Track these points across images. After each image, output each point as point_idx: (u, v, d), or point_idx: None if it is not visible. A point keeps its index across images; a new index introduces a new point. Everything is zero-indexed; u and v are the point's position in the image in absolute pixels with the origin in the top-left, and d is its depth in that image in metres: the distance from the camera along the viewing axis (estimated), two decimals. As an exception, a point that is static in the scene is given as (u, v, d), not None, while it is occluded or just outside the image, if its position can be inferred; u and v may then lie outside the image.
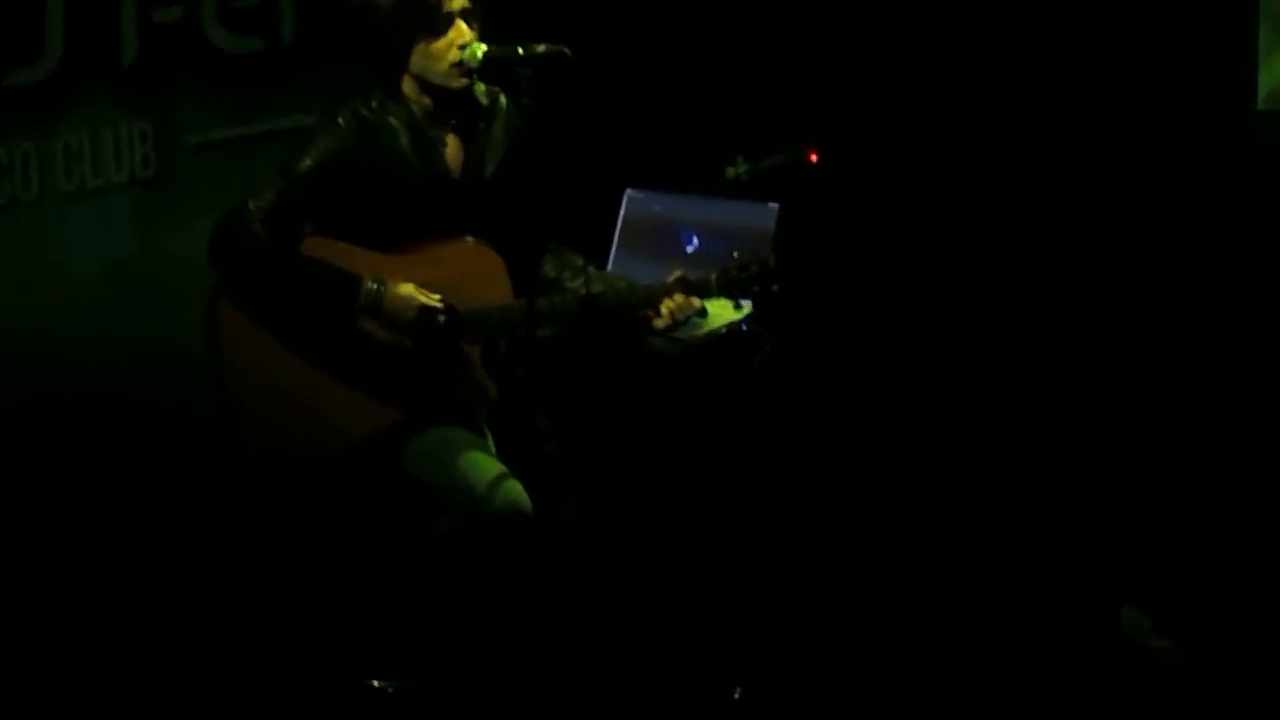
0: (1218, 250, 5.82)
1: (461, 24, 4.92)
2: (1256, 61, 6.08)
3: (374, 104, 4.94)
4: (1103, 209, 5.89)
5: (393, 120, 4.94)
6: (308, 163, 4.89)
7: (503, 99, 5.06)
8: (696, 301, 4.92)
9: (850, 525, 5.75)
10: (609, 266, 5.57)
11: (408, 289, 4.85)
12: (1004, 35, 6.08)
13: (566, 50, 4.84)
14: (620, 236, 5.68)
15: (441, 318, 4.85)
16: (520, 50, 4.85)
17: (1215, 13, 6.06)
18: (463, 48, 4.91)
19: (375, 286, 4.84)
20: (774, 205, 5.48)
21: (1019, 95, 6.02)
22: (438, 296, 4.86)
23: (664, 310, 4.92)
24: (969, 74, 6.07)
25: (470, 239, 4.98)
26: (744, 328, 5.33)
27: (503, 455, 5.01)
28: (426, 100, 4.97)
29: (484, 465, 4.93)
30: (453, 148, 5.03)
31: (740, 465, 5.57)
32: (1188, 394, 5.82)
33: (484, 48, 4.91)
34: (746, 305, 5.16)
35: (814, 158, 5.48)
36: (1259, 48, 6.08)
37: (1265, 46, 6.09)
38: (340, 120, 4.93)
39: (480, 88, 5.02)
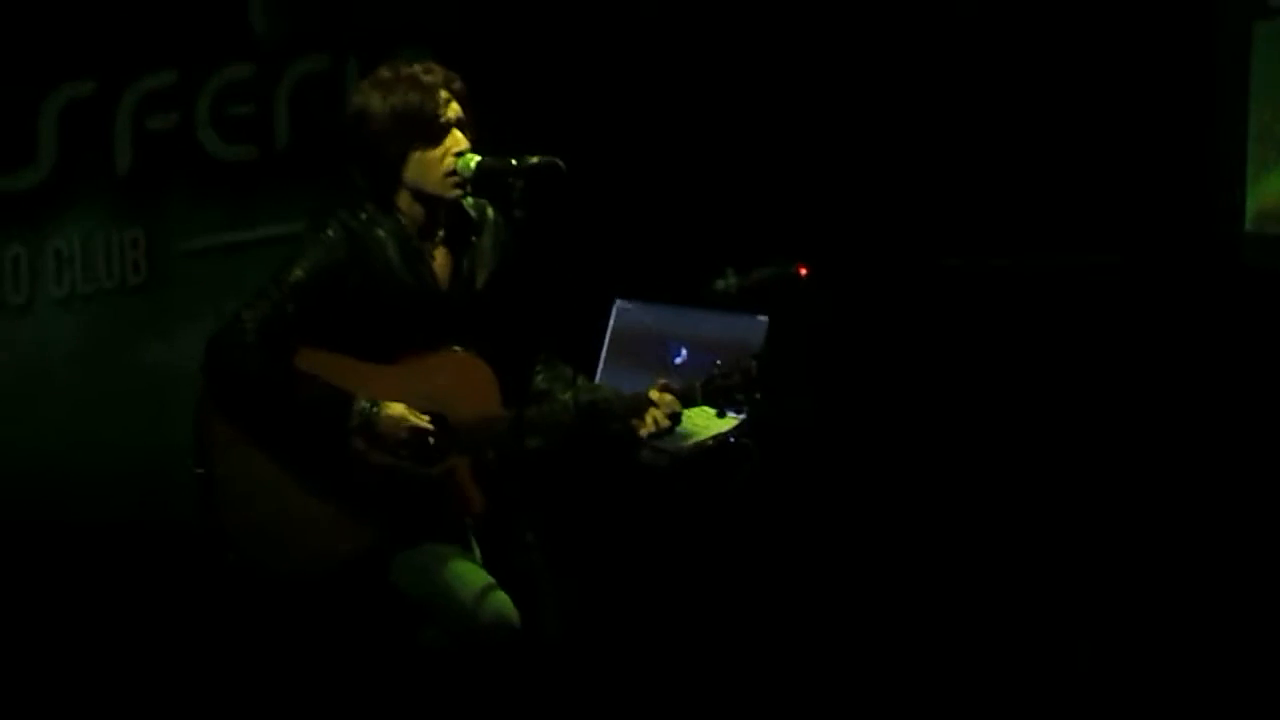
0: (1208, 373, 5.82)
1: (456, 133, 4.93)
2: (1245, 183, 6.11)
3: (363, 215, 4.94)
4: (1092, 331, 5.90)
5: (381, 232, 4.94)
6: (299, 274, 4.89)
7: (490, 211, 5.07)
8: (677, 404, 4.93)
9: (835, 636, 5.73)
10: (598, 377, 5.57)
11: (399, 410, 4.84)
12: (995, 155, 6.11)
13: (559, 162, 4.85)
14: (609, 347, 5.68)
15: (432, 439, 4.84)
16: (514, 161, 4.86)
17: (1204, 134, 6.10)
18: (458, 156, 4.92)
19: (368, 406, 4.84)
20: (763, 319, 5.49)
21: (1008, 216, 6.05)
22: (426, 418, 4.86)
23: (648, 418, 4.92)
24: (959, 193, 6.10)
25: (459, 350, 4.98)
26: (731, 440, 5.33)
27: (489, 566, 4.99)
28: (418, 210, 4.97)
29: (471, 577, 4.92)
30: (441, 260, 5.03)
31: (727, 576, 5.56)
32: (1175, 513, 5.82)
33: (478, 158, 4.92)
34: (733, 418, 5.16)
35: (803, 272, 5.49)
36: (1248, 169, 6.11)
37: (1254, 168, 6.13)
38: (330, 232, 4.92)
39: (469, 201, 5.03)
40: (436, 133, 4.91)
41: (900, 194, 6.13)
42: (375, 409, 4.83)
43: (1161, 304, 5.88)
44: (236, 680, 5.45)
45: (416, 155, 4.92)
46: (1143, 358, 5.87)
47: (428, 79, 4.92)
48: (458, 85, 4.96)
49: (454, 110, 4.93)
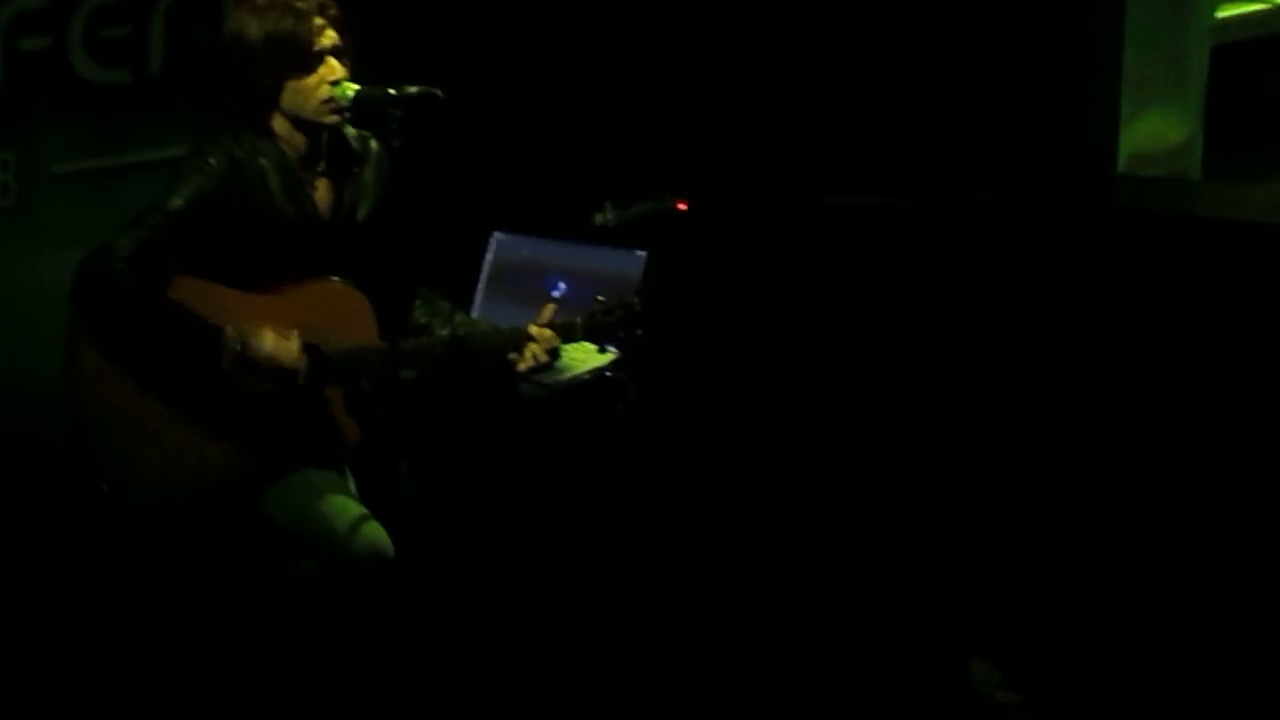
0: (1079, 313, 5.88)
1: (332, 61, 4.90)
2: (1118, 125, 6.17)
3: (245, 143, 4.90)
4: (969, 269, 5.94)
5: (264, 161, 4.91)
6: (177, 202, 4.84)
7: (373, 144, 5.04)
8: (556, 339, 4.93)
9: (710, 574, 5.76)
10: (475, 310, 5.56)
11: (269, 345, 4.80)
12: (875, 93, 6.13)
13: (438, 92, 4.83)
14: (487, 280, 5.67)
15: (301, 377, 4.82)
16: (392, 91, 4.83)
17: (1078, 77, 6.14)
18: (334, 84, 4.89)
19: (237, 341, 4.80)
20: (641, 253, 5.50)
21: (887, 155, 6.07)
22: (297, 350, 4.82)
23: (527, 353, 4.92)
24: (840, 131, 6.11)
25: (337, 280, 4.96)
26: (608, 374, 5.34)
27: (363, 497, 4.98)
28: (298, 138, 4.94)
29: (345, 507, 4.91)
30: (323, 190, 5.00)
31: (601, 513, 5.57)
32: (1044, 457, 5.88)
33: (355, 87, 4.90)
34: (611, 352, 5.17)
35: (683, 206, 5.50)
36: (1121, 112, 6.17)
37: (1128, 111, 6.18)
38: (211, 160, 4.88)
39: (351, 132, 5.00)
40: (311, 60, 4.87)
41: (780, 130, 6.14)
42: (244, 343, 4.79)
43: (1037, 243, 5.93)
44: (107, 608, 5.41)
45: (292, 83, 4.89)
46: (1019, 296, 5.92)
47: (301, 4, 4.88)
48: (333, 11, 4.92)
49: (329, 37, 4.90)
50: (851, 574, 5.79)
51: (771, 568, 5.79)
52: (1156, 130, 6.26)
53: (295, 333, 4.83)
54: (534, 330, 4.93)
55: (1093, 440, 5.82)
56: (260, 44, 4.85)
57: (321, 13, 4.89)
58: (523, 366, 4.94)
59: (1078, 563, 5.75)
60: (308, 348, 4.86)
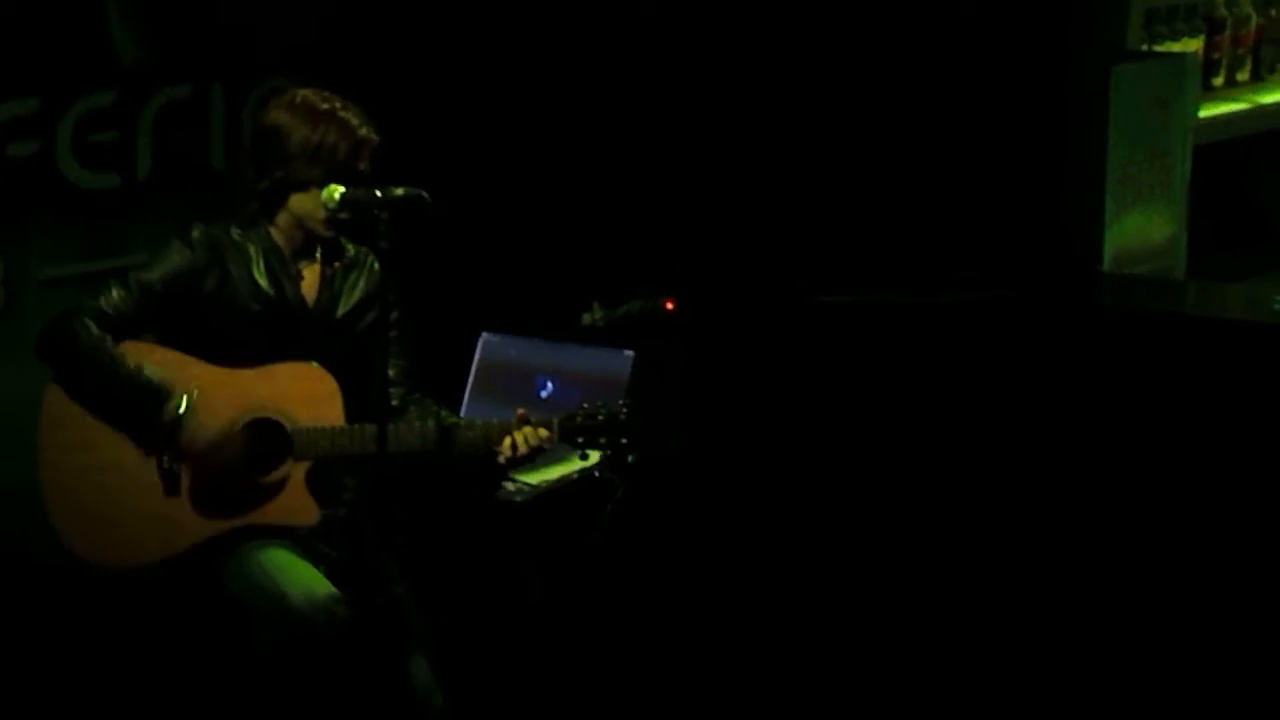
0: (1064, 410, 5.89)
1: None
2: (1104, 223, 6.19)
3: (235, 231, 4.95)
4: (957, 366, 5.95)
5: (251, 246, 4.96)
6: (152, 276, 4.95)
7: (372, 260, 5.06)
8: (544, 432, 4.92)
9: (706, 671, 5.75)
10: (463, 410, 5.56)
11: (207, 435, 4.81)
12: (862, 194, 6.15)
13: (424, 194, 4.85)
14: (474, 380, 5.67)
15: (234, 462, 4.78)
16: (379, 193, 4.86)
17: (1064, 174, 6.17)
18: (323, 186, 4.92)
19: (178, 409, 4.83)
20: (629, 353, 5.50)
21: (875, 254, 6.09)
22: (223, 434, 4.81)
23: (506, 446, 4.92)
24: (827, 230, 6.14)
25: (314, 364, 4.97)
26: (596, 474, 5.33)
27: (354, 598, 4.97)
28: (296, 234, 5.00)
29: (306, 578, 4.90)
30: (309, 280, 5.05)
31: (590, 613, 5.55)
32: (1031, 553, 5.88)
33: (341, 189, 4.92)
34: (592, 455, 5.16)
35: (670, 306, 5.51)
36: (1106, 209, 6.19)
37: (1112, 208, 6.21)
38: (194, 234, 4.98)
39: (350, 247, 5.03)
40: (348, 181, 4.91)
41: (768, 229, 6.16)
42: (187, 417, 4.80)
43: (1025, 341, 5.94)
44: (78, 679, 5.40)
45: (315, 190, 4.92)
46: (1006, 393, 5.92)
47: (361, 132, 4.94)
48: (377, 143, 4.97)
49: (365, 167, 4.94)
50: (843, 670, 5.78)
51: (763, 664, 5.78)
52: (1141, 228, 6.28)
53: (236, 423, 4.81)
54: (516, 424, 4.94)
55: (1081, 537, 5.81)
56: (309, 148, 4.92)
57: (368, 144, 4.93)
58: (502, 460, 4.95)
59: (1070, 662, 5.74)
60: (268, 423, 4.84)
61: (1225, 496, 5.70)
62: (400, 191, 4.85)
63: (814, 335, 5.97)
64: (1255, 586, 5.64)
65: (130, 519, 4.89)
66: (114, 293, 4.93)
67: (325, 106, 4.96)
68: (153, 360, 4.91)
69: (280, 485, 4.92)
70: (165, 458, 4.89)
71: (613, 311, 5.46)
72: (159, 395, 4.85)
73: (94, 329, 4.88)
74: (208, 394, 4.88)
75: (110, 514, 4.90)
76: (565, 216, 6.19)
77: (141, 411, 4.86)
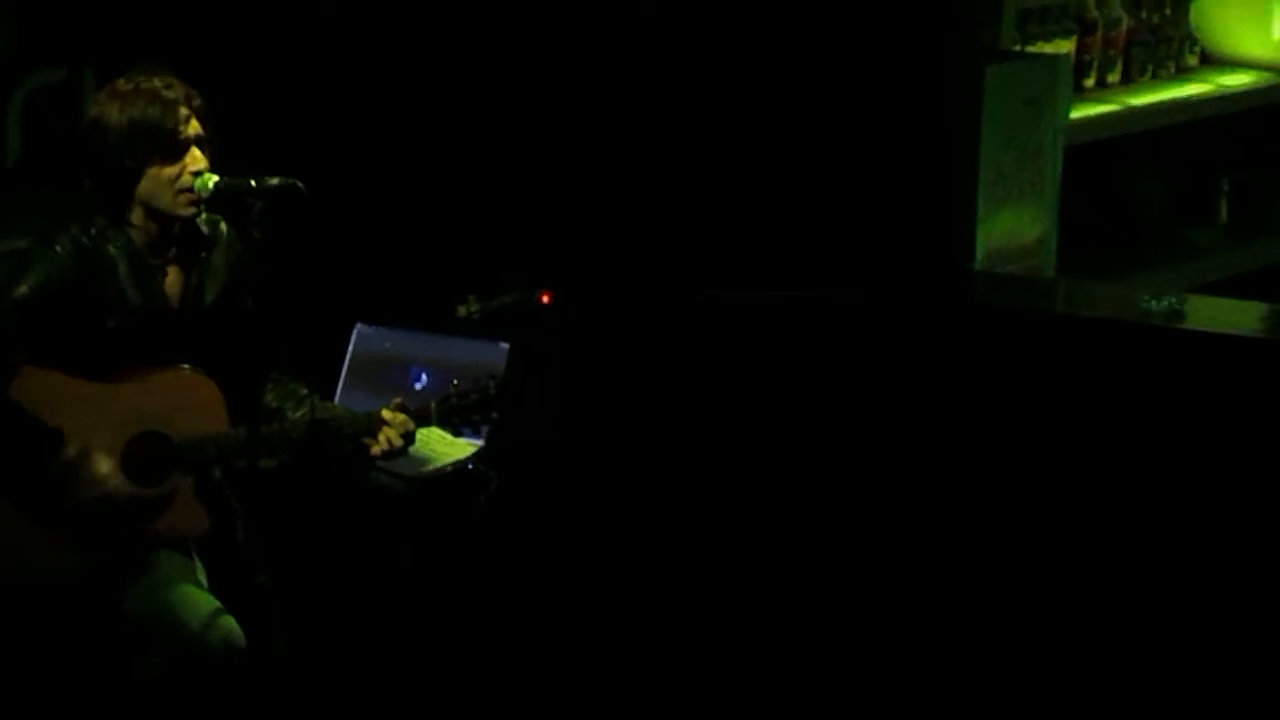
0: (935, 409, 5.93)
1: (195, 150, 4.88)
2: (975, 221, 6.24)
3: (93, 231, 4.87)
4: (833, 365, 5.98)
5: (112, 249, 4.88)
6: (23, 291, 4.82)
7: (223, 226, 5.02)
8: (410, 423, 4.92)
9: (577, 666, 5.75)
10: (336, 400, 5.53)
11: (101, 470, 4.75)
12: (741, 190, 6.17)
13: (299, 183, 4.83)
14: (348, 371, 5.65)
15: (121, 504, 4.75)
16: (253, 182, 4.83)
17: (937, 173, 6.21)
18: (195, 175, 4.87)
19: (66, 463, 4.74)
20: (505, 345, 5.50)
21: (749, 251, 6.11)
22: (120, 487, 4.76)
23: (381, 437, 4.91)
24: (707, 224, 6.15)
25: (186, 367, 4.93)
26: (470, 466, 5.33)
27: (214, 587, 4.93)
28: (151, 226, 4.92)
29: (196, 600, 4.86)
30: (173, 277, 4.99)
31: (466, 603, 5.54)
32: (906, 554, 5.92)
33: (215, 178, 4.88)
34: (471, 444, 5.15)
35: (546, 299, 5.51)
36: (979, 208, 6.24)
37: (985, 207, 6.26)
38: (58, 248, 4.85)
39: (202, 216, 4.97)
40: (175, 149, 4.86)
41: (644, 224, 6.17)
42: (75, 468, 4.75)
43: (897, 339, 5.97)
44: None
45: (153, 171, 4.87)
46: (879, 391, 5.95)
47: (169, 94, 4.87)
48: (198, 102, 4.91)
49: (194, 127, 4.89)
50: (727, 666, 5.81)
51: (647, 658, 5.80)
52: (1012, 227, 6.34)
53: (117, 466, 4.77)
54: (387, 414, 4.93)
55: (956, 534, 5.86)
56: (124, 130, 4.84)
57: (187, 103, 4.88)
58: (376, 450, 4.94)
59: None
60: (151, 435, 4.81)
61: (1092, 493, 5.76)
62: (275, 180, 4.83)
63: (687, 331, 5.98)
64: (1130, 580, 5.71)
65: (21, 547, 4.81)
66: None
67: (129, 86, 4.90)
68: (31, 384, 4.81)
69: (169, 498, 4.87)
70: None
71: (488, 303, 5.45)
72: (48, 444, 4.77)
73: None
74: (89, 413, 4.82)
75: (9, 543, 4.82)
76: (441, 207, 6.17)
77: (28, 457, 4.77)
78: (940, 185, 6.21)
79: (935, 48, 6.21)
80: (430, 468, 5.27)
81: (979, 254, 6.25)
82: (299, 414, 5.00)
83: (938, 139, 6.20)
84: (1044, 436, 5.81)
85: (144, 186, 4.88)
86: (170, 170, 4.88)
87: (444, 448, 5.23)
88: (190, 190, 4.88)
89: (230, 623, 4.82)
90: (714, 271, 6.02)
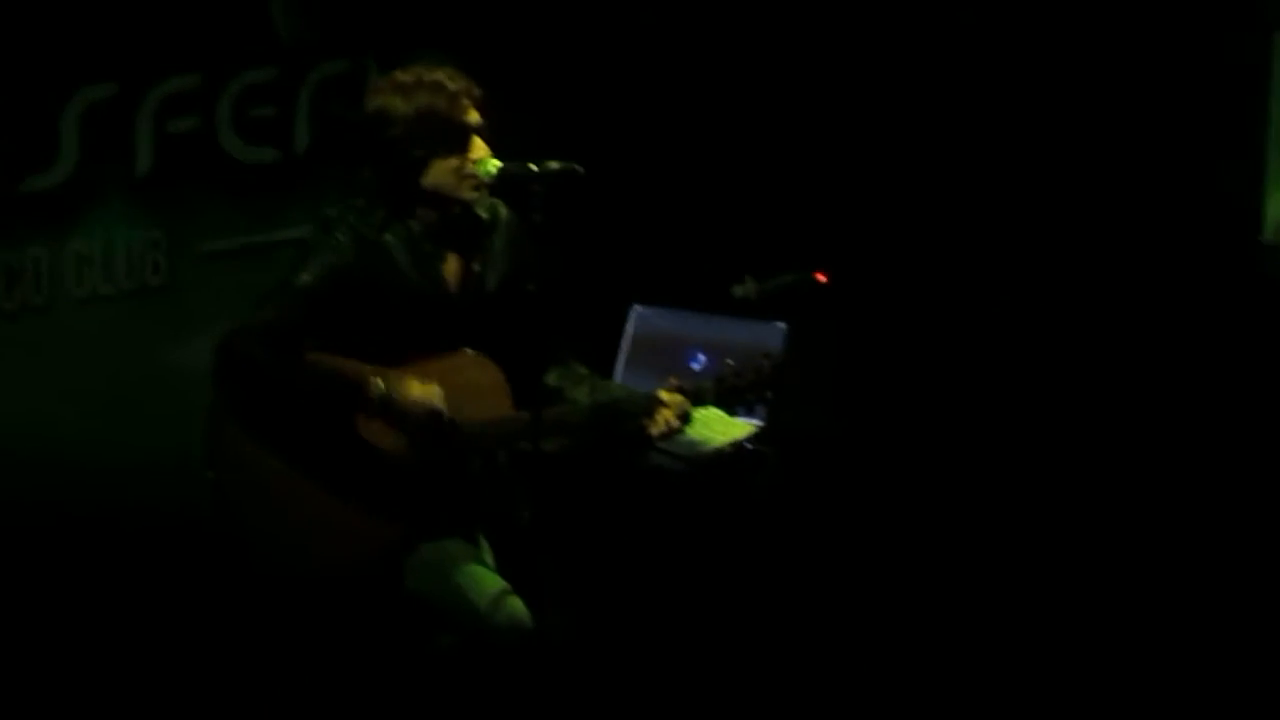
0: (1223, 383, 5.82)
1: (478, 139, 4.94)
2: (1264, 191, 6.10)
3: (372, 220, 4.94)
4: (1108, 337, 5.89)
5: (390, 236, 4.93)
6: (307, 279, 4.88)
7: (502, 210, 5.05)
8: (688, 404, 4.92)
9: (853, 647, 5.73)
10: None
11: (414, 388, 4.84)
12: (1017, 165, 6.10)
13: (579, 167, 4.85)
14: (627, 353, 5.68)
15: (447, 419, 4.84)
16: (534, 167, 4.86)
17: (1224, 140, 6.09)
18: (476, 162, 4.93)
19: (383, 386, 4.83)
20: (781, 325, 5.49)
21: (1031, 227, 6.04)
22: (440, 395, 4.85)
23: (659, 417, 4.91)
24: (978, 201, 6.10)
25: (469, 351, 4.98)
26: (748, 447, 5.32)
27: (501, 569, 5.00)
28: (431, 215, 4.96)
29: (486, 581, 4.91)
30: (452, 263, 5.01)
31: (745, 583, 5.55)
32: (1201, 511, 5.82)
33: (498, 163, 4.92)
34: (749, 424, 5.15)
35: (823, 279, 5.49)
36: (1267, 178, 6.10)
37: (1274, 175, 6.11)
38: (338, 235, 4.92)
39: (484, 212, 5.03)
40: (460, 139, 4.91)
41: (921, 204, 6.13)
42: (390, 388, 4.82)
43: (1179, 313, 5.87)
44: (251, 684, 5.45)
45: (438, 161, 4.92)
46: (1166, 371, 5.85)
47: (452, 85, 4.92)
48: (478, 92, 4.96)
49: (475, 116, 4.93)
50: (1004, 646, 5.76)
51: (909, 635, 5.77)
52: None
53: (435, 381, 4.87)
54: (664, 394, 4.93)
55: (1232, 515, 5.75)
56: (410, 122, 4.88)
57: (468, 93, 4.94)
58: (654, 431, 4.93)
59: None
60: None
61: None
62: (555, 165, 4.85)
63: (973, 309, 5.93)
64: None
65: (320, 529, 4.89)
66: (272, 307, 4.86)
67: (408, 79, 4.95)
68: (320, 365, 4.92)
69: (460, 479, 4.94)
70: (357, 455, 4.87)
71: (765, 284, 5.44)
72: (355, 385, 4.84)
73: (265, 346, 4.82)
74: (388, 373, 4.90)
75: (301, 530, 4.89)
76: (720, 188, 6.19)
77: (344, 405, 4.85)
78: (1228, 155, 6.09)
79: (1222, 14, 6.09)
80: (708, 448, 5.28)
81: (1269, 225, 6.12)
82: (579, 393, 5.02)
83: (1225, 108, 6.07)
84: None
85: (429, 176, 4.94)
86: (454, 160, 4.93)
87: (721, 428, 5.22)
88: (474, 177, 4.93)
89: (517, 603, 4.86)
90: (991, 250, 5.97)
